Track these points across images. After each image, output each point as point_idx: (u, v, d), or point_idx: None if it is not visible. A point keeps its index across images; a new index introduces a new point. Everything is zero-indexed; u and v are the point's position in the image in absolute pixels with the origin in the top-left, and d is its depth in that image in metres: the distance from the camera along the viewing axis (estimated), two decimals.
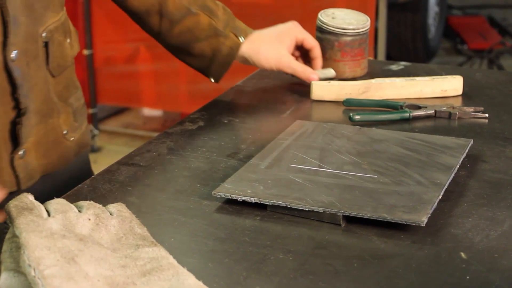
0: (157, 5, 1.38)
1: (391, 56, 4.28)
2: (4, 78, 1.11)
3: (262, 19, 3.48)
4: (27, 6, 1.12)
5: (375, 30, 3.59)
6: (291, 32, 1.45)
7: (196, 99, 3.56)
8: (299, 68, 1.44)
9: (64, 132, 1.24)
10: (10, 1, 1.08)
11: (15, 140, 1.14)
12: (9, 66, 1.11)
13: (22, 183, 1.16)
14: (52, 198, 0.92)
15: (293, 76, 1.45)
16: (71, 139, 1.26)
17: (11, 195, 1.13)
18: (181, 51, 1.43)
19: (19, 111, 1.13)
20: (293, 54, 1.46)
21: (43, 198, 0.91)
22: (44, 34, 1.17)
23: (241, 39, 1.41)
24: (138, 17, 1.41)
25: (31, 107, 1.15)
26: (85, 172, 1.37)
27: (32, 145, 1.17)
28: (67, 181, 1.27)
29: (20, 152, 1.15)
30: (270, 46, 1.43)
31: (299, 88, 1.48)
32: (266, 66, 1.43)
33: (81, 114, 1.29)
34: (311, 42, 1.46)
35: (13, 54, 1.11)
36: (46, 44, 1.18)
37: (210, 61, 1.41)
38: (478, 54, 4.79)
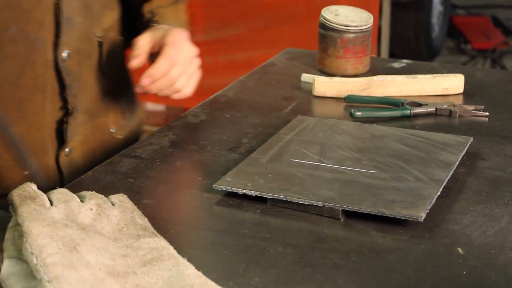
0: None
1: (394, 55, 4.27)
2: (54, 77, 1.10)
3: (266, 15, 3.49)
4: (84, 6, 1.10)
5: (378, 28, 3.58)
6: (161, 33, 1.22)
7: (199, 95, 3.54)
8: (138, 47, 1.16)
9: (112, 130, 1.23)
10: (65, 1, 1.06)
11: (61, 138, 1.14)
12: (60, 66, 1.09)
13: (65, 180, 1.16)
14: None
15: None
16: (118, 137, 1.26)
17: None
18: None
19: (67, 111, 1.13)
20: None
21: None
22: (99, 34, 1.15)
23: (152, 24, 1.25)
24: None
25: (80, 107, 1.14)
26: None
27: (79, 143, 1.17)
28: None
29: (66, 150, 1.15)
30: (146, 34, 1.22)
31: (301, 84, 1.49)
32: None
33: (131, 113, 1.28)
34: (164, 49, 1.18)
35: (64, 54, 1.09)
36: (100, 44, 1.16)
37: None
38: (481, 54, 4.78)
